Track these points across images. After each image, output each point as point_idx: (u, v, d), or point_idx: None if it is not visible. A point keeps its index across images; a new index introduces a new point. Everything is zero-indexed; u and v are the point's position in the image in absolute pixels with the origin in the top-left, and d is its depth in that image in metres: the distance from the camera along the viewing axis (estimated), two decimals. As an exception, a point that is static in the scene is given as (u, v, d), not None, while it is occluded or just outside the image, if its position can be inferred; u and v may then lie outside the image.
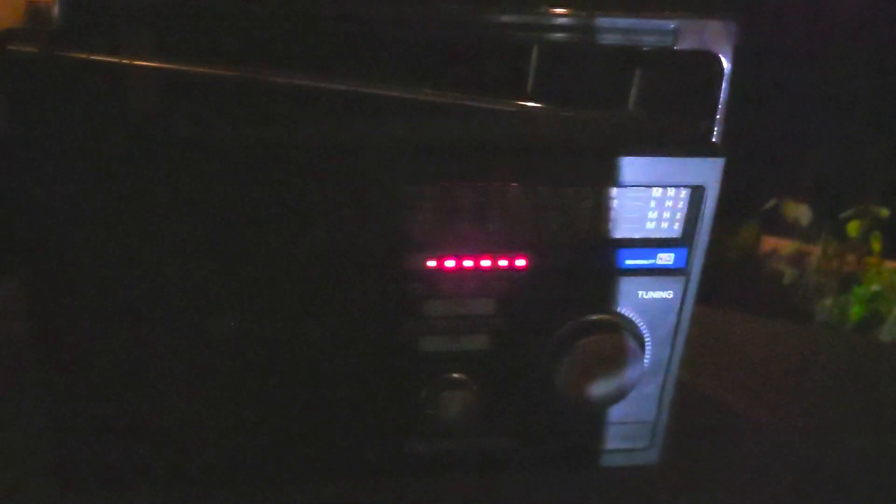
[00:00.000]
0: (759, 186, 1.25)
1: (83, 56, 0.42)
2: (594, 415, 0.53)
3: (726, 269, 0.48)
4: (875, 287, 1.22)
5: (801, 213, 1.28)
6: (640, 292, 0.49)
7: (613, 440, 0.54)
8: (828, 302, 1.24)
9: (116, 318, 0.45)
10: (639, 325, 0.50)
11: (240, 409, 0.49)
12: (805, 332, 1.02)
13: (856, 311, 1.18)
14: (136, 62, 0.43)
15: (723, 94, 0.48)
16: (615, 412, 0.53)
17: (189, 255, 0.44)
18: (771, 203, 1.28)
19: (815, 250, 1.29)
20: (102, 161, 0.42)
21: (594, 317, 0.49)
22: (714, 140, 0.48)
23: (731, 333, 0.78)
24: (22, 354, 0.46)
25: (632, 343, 0.49)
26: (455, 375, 0.49)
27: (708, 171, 0.47)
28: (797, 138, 1.16)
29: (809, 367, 0.74)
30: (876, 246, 1.25)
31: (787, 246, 1.27)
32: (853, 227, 1.29)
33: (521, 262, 0.47)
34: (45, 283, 0.44)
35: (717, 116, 0.48)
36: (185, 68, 0.46)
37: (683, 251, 0.49)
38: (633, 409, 0.53)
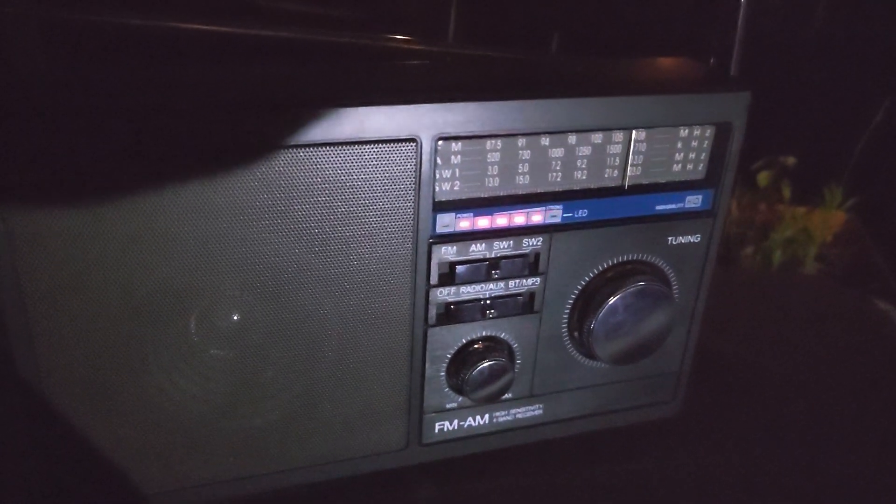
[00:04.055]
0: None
1: None
2: (619, 371, 0.50)
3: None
4: (789, 232, 1.27)
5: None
6: (669, 237, 0.47)
7: (637, 395, 0.52)
8: (749, 250, 1.28)
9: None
10: (669, 273, 0.48)
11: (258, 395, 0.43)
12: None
13: (776, 256, 1.23)
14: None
15: (739, 29, 0.46)
16: (639, 366, 0.51)
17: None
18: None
19: (733, 202, 1.33)
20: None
21: (626, 268, 0.47)
22: (734, 75, 0.47)
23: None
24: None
25: (665, 293, 0.47)
26: (486, 341, 0.46)
27: (734, 107, 0.45)
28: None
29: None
30: (786, 193, 1.30)
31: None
32: (763, 178, 1.34)
33: (552, 216, 0.44)
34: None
35: (736, 50, 0.46)
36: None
37: (710, 193, 0.47)
38: (657, 362, 0.51)
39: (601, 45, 0.53)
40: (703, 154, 0.46)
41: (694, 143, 0.46)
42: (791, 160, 1.33)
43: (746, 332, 0.69)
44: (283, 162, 0.38)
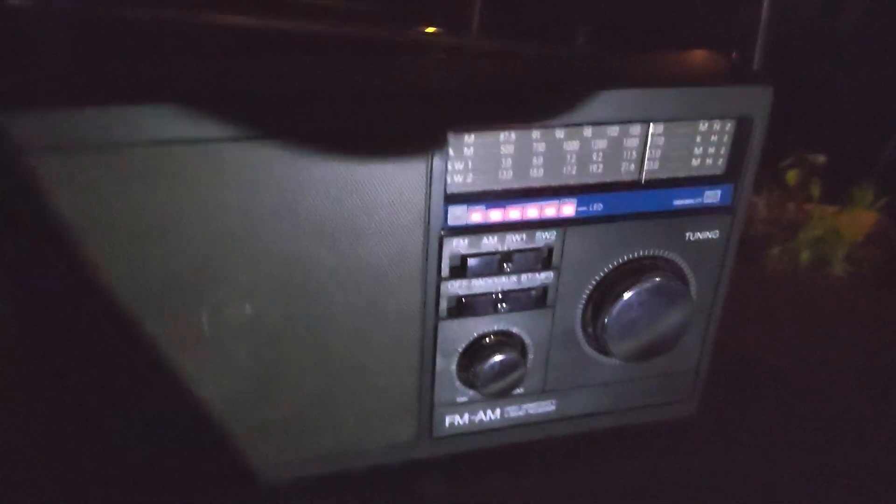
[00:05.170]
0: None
1: None
2: (633, 368, 0.50)
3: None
4: (817, 232, 1.24)
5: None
6: (686, 233, 0.46)
7: (652, 393, 0.51)
8: (776, 250, 1.26)
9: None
10: (685, 269, 0.47)
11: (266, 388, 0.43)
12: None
13: (804, 257, 1.20)
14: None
15: (763, 21, 0.45)
16: (655, 363, 0.50)
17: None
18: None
19: (759, 201, 1.30)
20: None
21: (641, 262, 0.46)
22: (757, 68, 0.45)
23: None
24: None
25: (682, 290, 0.46)
26: (498, 335, 0.45)
27: (756, 101, 0.44)
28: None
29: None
30: (815, 192, 1.28)
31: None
32: (792, 176, 1.31)
33: (567, 210, 0.44)
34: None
35: (759, 43, 0.45)
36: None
37: (729, 188, 0.46)
38: (673, 360, 0.50)
39: (623, 38, 0.52)
40: (724, 149, 0.45)
41: (714, 138, 0.45)
42: (821, 158, 1.30)
43: (771, 334, 0.68)
44: (293, 154, 0.38)
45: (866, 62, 1.15)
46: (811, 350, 0.66)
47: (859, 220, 1.22)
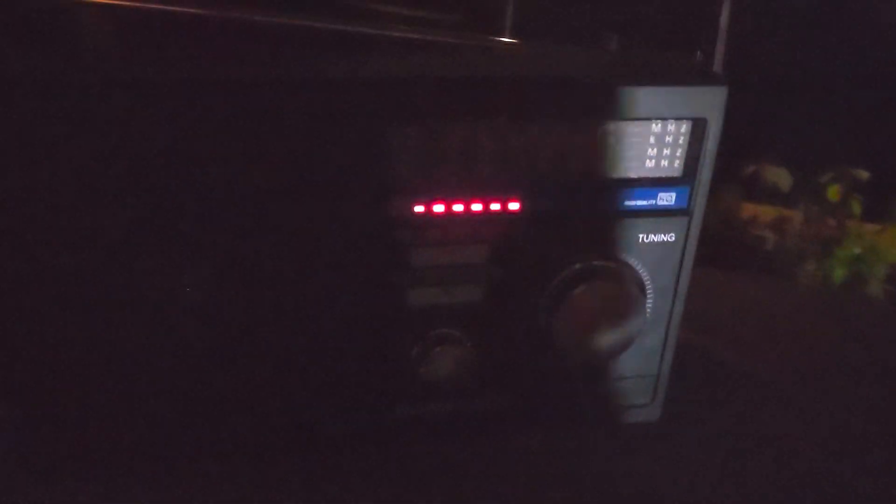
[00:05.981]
0: (738, 152, 1.23)
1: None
2: (593, 370, 0.49)
3: (707, 236, 0.47)
4: (857, 250, 1.20)
5: (781, 178, 1.25)
6: (640, 236, 0.46)
7: (613, 397, 0.51)
8: (810, 266, 1.22)
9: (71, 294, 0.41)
10: (640, 271, 0.47)
11: (214, 379, 0.45)
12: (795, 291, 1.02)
13: (838, 274, 1.16)
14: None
15: (724, 19, 0.45)
16: (614, 367, 0.50)
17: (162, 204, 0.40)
18: (750, 169, 1.26)
19: (797, 215, 1.26)
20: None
21: (592, 263, 0.46)
22: (714, 69, 0.45)
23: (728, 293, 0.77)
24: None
25: (633, 291, 0.45)
26: (447, 330, 0.46)
27: (710, 102, 0.44)
28: (775, 104, 1.14)
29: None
30: (856, 209, 1.23)
31: (768, 212, 1.25)
32: (833, 191, 1.27)
33: (514, 206, 0.44)
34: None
35: (718, 43, 0.45)
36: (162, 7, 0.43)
37: (685, 190, 0.46)
38: (634, 364, 0.50)
39: (591, 35, 0.52)
40: (679, 150, 0.45)
41: (668, 139, 0.44)
42: (864, 174, 1.25)
43: (783, 350, 0.66)
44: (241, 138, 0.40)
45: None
46: (820, 367, 0.64)
47: (903, 239, 1.17)
